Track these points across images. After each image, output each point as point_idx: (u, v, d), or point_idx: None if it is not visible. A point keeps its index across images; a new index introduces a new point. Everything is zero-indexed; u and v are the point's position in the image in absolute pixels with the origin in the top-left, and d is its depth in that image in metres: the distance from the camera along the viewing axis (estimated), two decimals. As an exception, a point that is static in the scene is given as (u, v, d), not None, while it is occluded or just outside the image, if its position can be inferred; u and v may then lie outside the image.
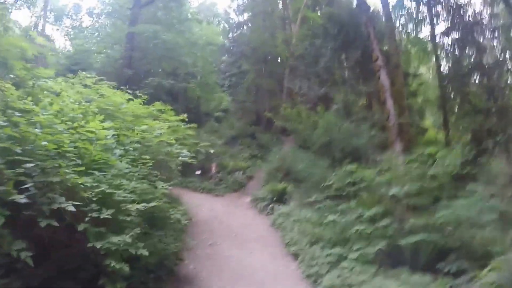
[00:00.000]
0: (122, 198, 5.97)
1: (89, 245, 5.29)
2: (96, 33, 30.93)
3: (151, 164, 8.65)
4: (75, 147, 6.41)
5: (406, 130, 20.31)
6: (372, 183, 10.19)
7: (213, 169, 21.57)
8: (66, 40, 28.25)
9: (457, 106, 25.24)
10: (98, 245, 5.22)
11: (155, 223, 7.97)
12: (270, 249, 11.30)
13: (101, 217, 5.45)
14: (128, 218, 5.89)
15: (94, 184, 5.80)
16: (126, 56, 24.07)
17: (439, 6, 26.70)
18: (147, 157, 8.57)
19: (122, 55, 24.68)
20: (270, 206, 16.01)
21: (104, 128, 7.23)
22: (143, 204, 6.17)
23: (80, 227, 5.31)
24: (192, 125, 13.94)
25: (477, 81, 24.95)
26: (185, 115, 13.30)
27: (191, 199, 17.85)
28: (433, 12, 26.99)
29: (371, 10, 24.98)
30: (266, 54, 29.92)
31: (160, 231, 8.17)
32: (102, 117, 8.06)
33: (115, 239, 5.37)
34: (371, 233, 8.85)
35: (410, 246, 8.48)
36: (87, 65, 22.40)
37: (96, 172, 6.24)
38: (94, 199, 5.64)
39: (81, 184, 5.55)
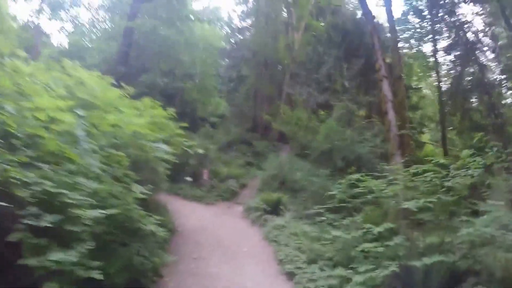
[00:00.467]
0: (73, 202, 4.43)
1: (21, 262, 3.85)
2: (94, 29, 29.53)
3: (126, 163, 7.26)
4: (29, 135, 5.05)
5: (407, 143, 19.16)
6: (381, 195, 8.77)
7: (205, 175, 20.13)
8: (61, 34, 26.79)
9: (457, 122, 24.27)
10: (32, 262, 3.79)
11: (128, 234, 6.55)
12: (262, 266, 9.83)
13: (42, 225, 4.01)
14: (78, 228, 4.35)
15: (39, 181, 4.35)
16: (122, 52, 22.62)
17: (442, 23, 25.88)
18: (121, 153, 7.13)
19: (117, 51, 23.28)
20: (264, 217, 14.55)
21: (62, 110, 5.67)
22: (100, 211, 4.69)
23: (12, 237, 3.91)
24: (183, 124, 12.51)
25: (477, 98, 24.19)
26: (173, 110, 11.80)
27: (180, 207, 16.51)
28: (436, 29, 26.14)
29: (375, 21, 23.54)
30: (267, 58, 28.72)
31: (137, 243, 6.75)
32: (71, 102, 6.54)
33: (55, 255, 3.91)
34: (380, 253, 7.42)
35: (424, 268, 7.08)
36: (81, 61, 20.98)
37: (45, 166, 4.76)
38: (34, 200, 4.18)
39: (17, 178, 4.09)
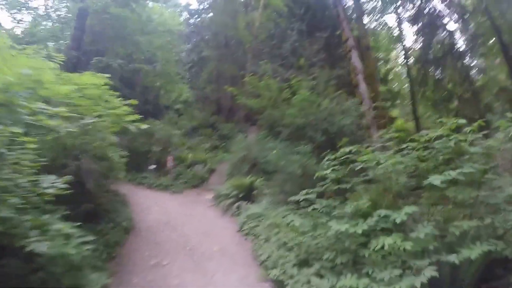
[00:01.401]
0: None
1: None
2: (49, 17, 25.60)
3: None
4: None
5: (382, 115, 17.03)
6: (389, 170, 6.19)
7: (170, 162, 17.28)
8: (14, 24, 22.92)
9: (430, 92, 22.32)
10: None
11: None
12: (238, 272, 7.27)
13: None
14: None
15: None
16: (75, 36, 19.27)
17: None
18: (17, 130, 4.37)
19: (70, 36, 19.88)
20: (236, 204, 12.04)
21: None
22: None
23: None
24: (131, 101, 9.65)
25: (449, 66, 22.22)
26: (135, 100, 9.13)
27: (142, 199, 14.04)
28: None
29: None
30: (227, 38, 25.85)
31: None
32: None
33: None
34: (404, 250, 4.89)
35: (465, 263, 4.70)
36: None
37: None
38: None
39: None
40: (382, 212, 5.43)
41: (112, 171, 11.34)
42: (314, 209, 6.67)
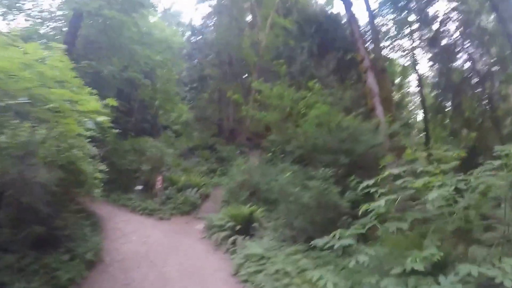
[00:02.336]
0: None
1: None
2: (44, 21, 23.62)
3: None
4: None
5: (398, 141, 14.99)
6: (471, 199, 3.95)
7: (159, 183, 14.93)
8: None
9: (448, 119, 20.35)
10: None
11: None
12: None
13: None
14: None
15: None
16: (66, 41, 17.21)
17: (422, 15, 22.10)
18: None
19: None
20: (232, 239, 9.72)
21: None
22: None
23: None
24: (109, 99, 7.56)
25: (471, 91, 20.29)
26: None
27: (122, 223, 11.85)
28: (414, 22, 22.38)
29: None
30: (231, 57, 23.91)
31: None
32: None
33: None
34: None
35: None
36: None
37: None
38: None
39: None
40: (473, 269, 3.17)
41: (82, 187, 9.11)
42: (356, 262, 4.30)
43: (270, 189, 11.44)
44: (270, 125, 11.49)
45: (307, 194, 7.94)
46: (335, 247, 4.55)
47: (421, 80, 21.83)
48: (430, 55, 21.80)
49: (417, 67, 22.30)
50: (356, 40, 17.13)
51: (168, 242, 10.29)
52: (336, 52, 19.35)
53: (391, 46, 23.25)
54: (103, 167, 11.27)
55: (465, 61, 19.63)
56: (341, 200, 7.66)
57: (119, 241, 9.80)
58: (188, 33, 31.40)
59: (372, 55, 18.56)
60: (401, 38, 22.77)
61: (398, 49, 23.33)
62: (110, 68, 16.80)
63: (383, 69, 18.44)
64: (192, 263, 8.51)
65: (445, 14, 20.63)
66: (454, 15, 20.40)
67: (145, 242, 9.99)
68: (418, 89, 22.58)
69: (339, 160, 8.76)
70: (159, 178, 14.96)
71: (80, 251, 7.47)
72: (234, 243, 9.49)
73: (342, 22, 20.88)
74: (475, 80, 19.14)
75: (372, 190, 5.22)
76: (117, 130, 10.06)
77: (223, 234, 9.97)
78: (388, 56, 23.34)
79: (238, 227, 9.95)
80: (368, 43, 19.66)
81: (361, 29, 20.11)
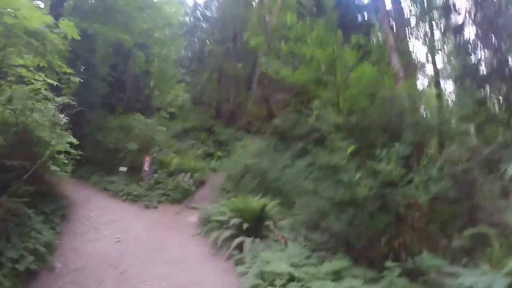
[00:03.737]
0: None
1: None
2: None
3: None
4: None
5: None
6: None
7: (146, 165, 12.09)
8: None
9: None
10: None
11: None
12: None
13: None
14: None
15: None
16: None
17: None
18: None
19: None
20: (238, 241, 6.98)
21: None
22: None
23: None
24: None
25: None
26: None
27: (96, 212, 8.96)
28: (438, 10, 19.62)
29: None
30: (236, 32, 20.89)
31: None
32: None
33: None
34: None
35: None
36: None
37: None
38: None
39: None
40: None
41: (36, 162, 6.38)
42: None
43: (279, 179, 8.82)
44: (298, 86, 8.22)
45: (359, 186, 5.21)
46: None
47: (438, 71, 19.11)
48: (453, 43, 19.08)
49: (436, 56, 19.49)
50: (381, 17, 14.51)
51: (151, 240, 7.55)
52: (358, 29, 16.56)
53: (412, 30, 20.48)
54: (72, 139, 8.50)
55: (490, 53, 16.86)
56: (419, 192, 4.99)
57: (84, 237, 7.06)
58: (189, 9, 28.31)
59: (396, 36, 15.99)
60: (423, 23, 19.99)
61: (419, 35, 20.58)
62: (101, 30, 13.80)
63: (407, 52, 15.89)
64: (182, 277, 5.76)
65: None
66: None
67: (120, 240, 7.25)
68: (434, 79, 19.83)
69: (407, 139, 6.00)
70: (147, 159, 12.13)
71: (12, 256, 4.72)
72: (240, 247, 6.79)
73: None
74: (502, 72, 16.42)
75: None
76: (78, 79, 7.32)
77: (226, 233, 7.24)
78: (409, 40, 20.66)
79: (245, 226, 7.19)
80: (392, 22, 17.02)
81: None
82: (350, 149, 5.78)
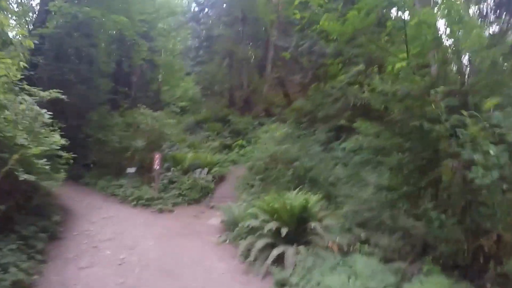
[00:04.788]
0: None
1: None
2: None
3: None
4: None
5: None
6: None
7: (156, 163, 10.27)
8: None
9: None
10: None
11: None
12: None
13: None
14: None
15: None
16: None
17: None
18: None
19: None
20: (276, 252, 5.13)
21: None
22: None
23: None
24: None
25: None
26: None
27: (100, 224, 7.67)
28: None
29: None
30: (245, 12, 18.88)
31: None
32: None
33: None
34: None
35: None
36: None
37: None
38: None
39: None
40: None
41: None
42: None
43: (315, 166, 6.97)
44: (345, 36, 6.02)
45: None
46: None
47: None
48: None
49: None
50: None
51: (163, 258, 5.75)
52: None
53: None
54: (57, 138, 6.74)
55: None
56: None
57: (77, 263, 5.30)
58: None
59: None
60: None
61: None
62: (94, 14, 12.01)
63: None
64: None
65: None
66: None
67: (124, 262, 5.46)
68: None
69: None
70: (157, 155, 10.32)
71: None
72: (280, 259, 4.96)
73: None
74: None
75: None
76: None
77: (260, 243, 5.38)
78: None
79: (284, 231, 5.32)
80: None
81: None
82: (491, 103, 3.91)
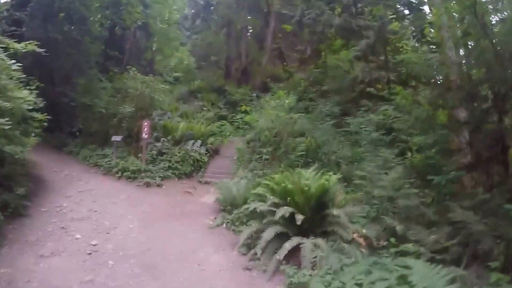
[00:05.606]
0: None
1: None
2: None
3: None
4: None
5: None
6: None
7: (145, 131, 8.95)
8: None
9: None
10: None
11: None
12: None
13: None
14: None
15: None
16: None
17: None
18: None
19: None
20: (290, 244, 3.94)
21: None
22: None
23: None
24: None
25: None
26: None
27: (74, 199, 6.39)
28: None
29: None
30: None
31: None
32: None
33: None
34: None
35: None
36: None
37: None
38: None
39: None
40: None
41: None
42: None
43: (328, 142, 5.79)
44: None
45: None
46: None
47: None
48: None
49: None
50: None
51: (145, 247, 4.53)
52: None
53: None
54: (24, 93, 5.40)
55: None
56: None
57: (40, 249, 4.12)
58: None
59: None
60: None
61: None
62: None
63: None
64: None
65: None
66: None
67: (96, 250, 4.25)
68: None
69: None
70: (145, 123, 8.99)
71: None
72: (293, 255, 3.80)
73: None
74: None
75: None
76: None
77: (268, 232, 4.16)
78: None
79: (300, 218, 4.11)
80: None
81: None
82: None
